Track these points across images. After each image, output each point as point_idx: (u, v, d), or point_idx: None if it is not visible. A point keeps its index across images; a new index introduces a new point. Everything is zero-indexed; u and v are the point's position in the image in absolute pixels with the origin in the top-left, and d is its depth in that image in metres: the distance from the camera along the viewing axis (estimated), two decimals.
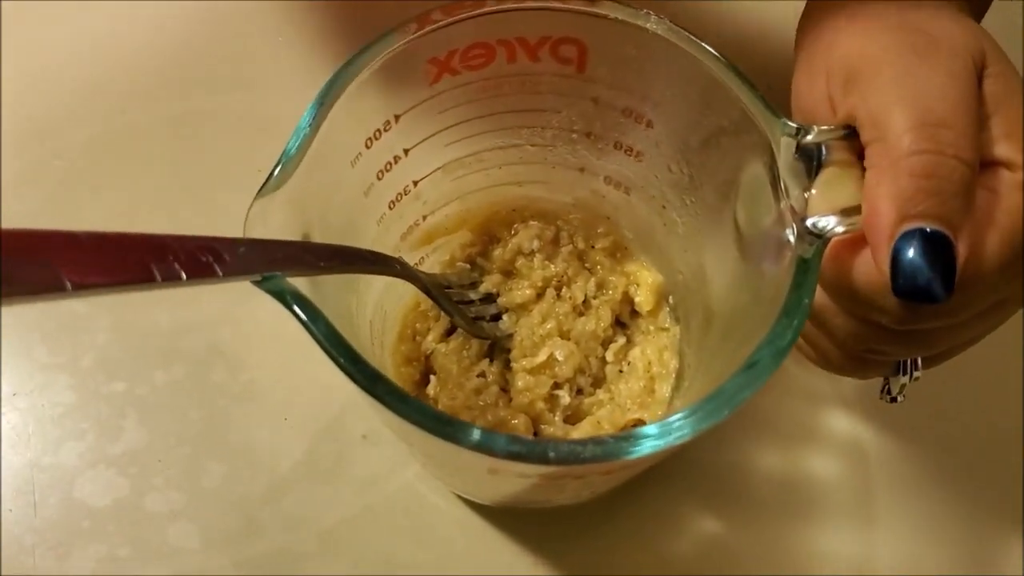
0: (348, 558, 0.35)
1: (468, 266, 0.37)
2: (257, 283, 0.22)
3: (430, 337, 0.36)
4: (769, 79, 0.29)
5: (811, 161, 0.25)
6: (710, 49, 0.27)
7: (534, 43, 0.29)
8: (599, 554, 0.36)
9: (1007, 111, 0.25)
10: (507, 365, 0.35)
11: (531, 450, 0.22)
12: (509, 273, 0.37)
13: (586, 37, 0.29)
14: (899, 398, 0.30)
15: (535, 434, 0.33)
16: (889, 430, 0.39)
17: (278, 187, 0.24)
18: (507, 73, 0.30)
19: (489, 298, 0.36)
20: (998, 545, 0.37)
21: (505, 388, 0.35)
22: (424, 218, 0.34)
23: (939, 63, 0.24)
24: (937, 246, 0.23)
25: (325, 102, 0.26)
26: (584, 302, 0.36)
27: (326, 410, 0.38)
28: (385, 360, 0.34)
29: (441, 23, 0.28)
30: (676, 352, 0.35)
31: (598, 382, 0.35)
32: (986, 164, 0.24)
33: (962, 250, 0.23)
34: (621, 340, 0.36)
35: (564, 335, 0.35)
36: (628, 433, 0.22)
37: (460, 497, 0.37)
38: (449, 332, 0.36)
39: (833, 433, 0.39)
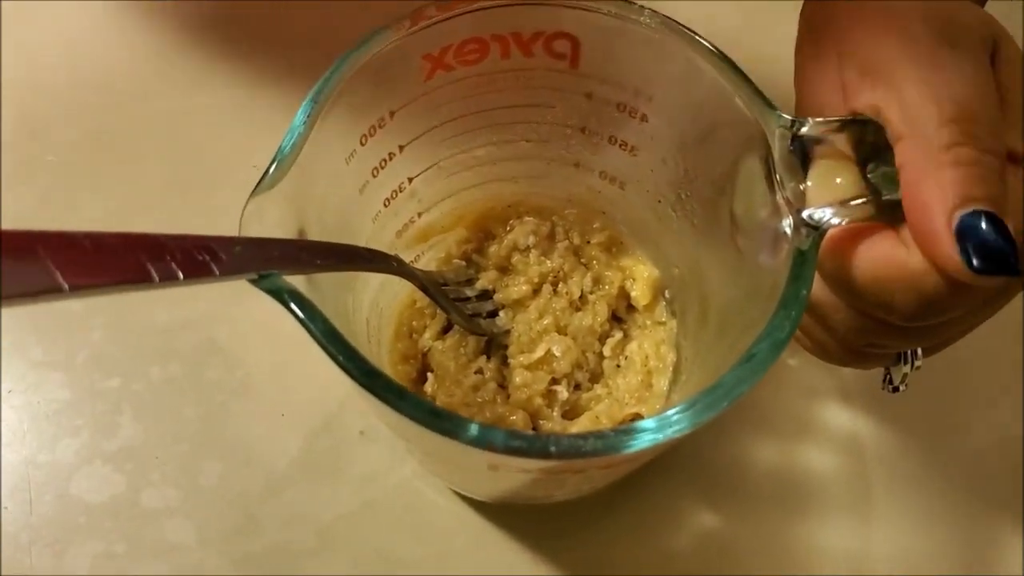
0: (346, 555, 0.35)
1: (464, 263, 0.37)
2: (254, 282, 0.22)
3: (427, 334, 0.36)
4: (763, 71, 0.29)
5: (807, 153, 0.25)
6: (704, 42, 0.27)
7: (528, 38, 0.29)
8: (598, 549, 0.36)
9: (1014, 98, 0.25)
10: (504, 361, 0.35)
11: (531, 445, 0.22)
12: (505, 269, 0.37)
13: (580, 32, 0.29)
14: (901, 387, 0.30)
15: (534, 430, 0.33)
16: (887, 424, 0.39)
17: (273, 185, 0.24)
18: (501, 69, 0.30)
19: (485, 295, 0.36)
20: (996, 539, 0.37)
21: (503, 384, 0.35)
22: (419, 215, 0.34)
23: (966, 52, 0.24)
24: (999, 224, 0.23)
25: (319, 99, 0.26)
26: (580, 297, 0.36)
27: (323, 407, 0.38)
28: (382, 358, 0.34)
29: (435, 19, 0.28)
30: (673, 346, 0.35)
31: (595, 377, 0.35)
32: None
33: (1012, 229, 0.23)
34: (618, 335, 0.36)
35: (561, 330, 0.35)
36: (627, 427, 0.22)
37: (458, 493, 0.37)
38: (446, 329, 0.36)
39: (831, 427, 0.39)
